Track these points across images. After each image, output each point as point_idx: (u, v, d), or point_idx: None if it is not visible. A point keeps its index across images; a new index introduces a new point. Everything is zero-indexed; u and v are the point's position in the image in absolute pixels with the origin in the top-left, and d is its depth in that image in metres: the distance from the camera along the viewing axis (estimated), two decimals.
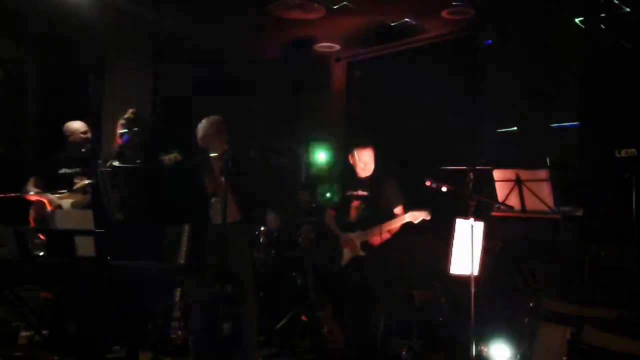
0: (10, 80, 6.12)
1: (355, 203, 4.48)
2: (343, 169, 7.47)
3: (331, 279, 5.01)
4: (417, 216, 4.18)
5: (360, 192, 4.48)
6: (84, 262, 3.39)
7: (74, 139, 4.79)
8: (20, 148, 6.06)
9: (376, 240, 4.28)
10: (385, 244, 4.32)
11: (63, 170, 4.68)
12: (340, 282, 4.59)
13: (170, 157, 3.98)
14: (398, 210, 4.39)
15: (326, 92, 7.87)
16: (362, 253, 4.33)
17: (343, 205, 4.59)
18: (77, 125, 4.83)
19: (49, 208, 4.50)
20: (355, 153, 4.46)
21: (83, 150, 4.78)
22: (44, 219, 4.51)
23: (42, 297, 4.52)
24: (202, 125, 4.16)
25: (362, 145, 4.46)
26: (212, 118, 4.18)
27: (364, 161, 4.42)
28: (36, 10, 5.66)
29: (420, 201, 4.41)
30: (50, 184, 4.58)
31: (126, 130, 4.29)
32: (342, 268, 4.45)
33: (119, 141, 4.32)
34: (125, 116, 4.34)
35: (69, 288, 4.11)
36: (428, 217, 4.20)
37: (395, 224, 4.28)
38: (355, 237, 4.37)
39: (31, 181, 4.67)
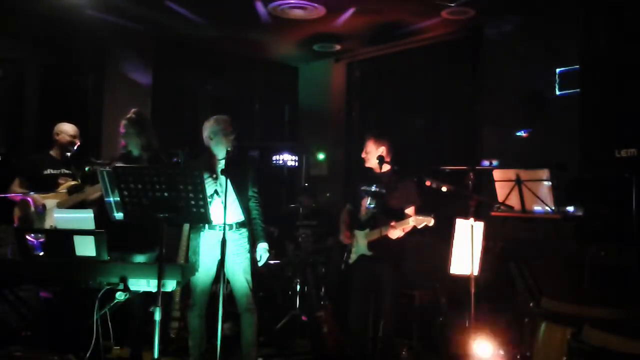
0: (10, 80, 6.12)
1: (366, 199, 4.33)
2: (346, 168, 7.51)
3: (338, 276, 4.93)
4: (420, 221, 3.98)
5: (372, 189, 4.31)
6: (84, 262, 3.40)
7: (60, 139, 4.77)
8: (20, 148, 6.06)
9: (393, 234, 4.07)
10: (397, 242, 4.14)
11: (48, 171, 4.67)
12: (347, 279, 4.51)
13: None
14: (410, 211, 4.20)
15: (326, 93, 7.88)
16: (368, 253, 4.25)
17: (356, 201, 4.45)
18: (67, 127, 4.81)
19: (32, 207, 4.51)
20: (365, 143, 4.36)
21: (68, 153, 4.78)
22: (28, 218, 4.52)
23: (42, 297, 4.52)
24: (209, 124, 4.14)
25: (369, 135, 4.36)
26: (219, 117, 4.16)
27: (367, 151, 4.34)
28: (36, 10, 5.67)
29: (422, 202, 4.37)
30: (35, 185, 4.56)
31: (125, 132, 4.29)
32: (349, 266, 4.39)
33: (123, 142, 4.31)
34: (127, 116, 4.34)
35: (68, 288, 4.12)
36: (431, 224, 3.98)
37: (403, 225, 4.07)
38: (363, 235, 4.27)
39: (16, 181, 4.67)
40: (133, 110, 4.38)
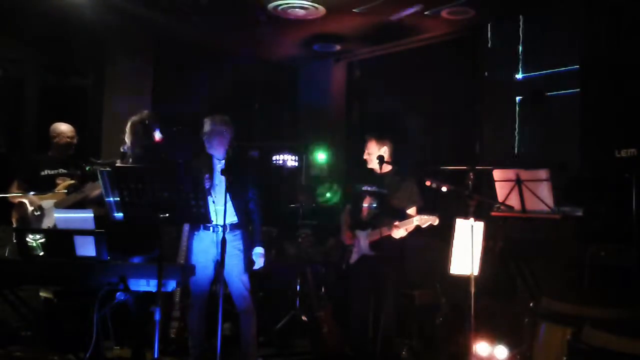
0: (10, 80, 6.13)
1: (367, 200, 4.31)
2: (346, 168, 7.51)
3: (338, 277, 4.90)
4: (425, 220, 3.98)
5: (374, 189, 4.30)
6: (84, 262, 3.40)
7: (59, 140, 4.77)
8: (20, 148, 6.06)
9: (397, 234, 4.07)
10: (399, 242, 4.14)
11: (45, 172, 4.67)
12: (347, 279, 4.51)
13: None
14: (411, 211, 4.20)
15: (326, 93, 7.88)
16: (370, 253, 4.23)
17: (356, 201, 4.43)
18: (64, 127, 4.81)
19: (30, 209, 4.51)
20: (366, 144, 4.35)
21: (66, 153, 4.77)
22: (26, 220, 4.52)
23: (42, 297, 4.52)
24: (208, 123, 4.14)
25: (370, 136, 4.35)
26: (218, 116, 4.16)
27: (369, 152, 4.33)
28: (36, 10, 5.67)
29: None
30: (32, 185, 4.56)
31: (131, 131, 4.27)
32: (349, 266, 4.39)
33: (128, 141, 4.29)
34: (136, 116, 4.32)
35: (68, 288, 4.11)
36: (436, 223, 3.98)
37: (407, 225, 4.07)
38: (365, 236, 4.25)
39: (14, 184, 4.67)
40: (145, 111, 4.37)
